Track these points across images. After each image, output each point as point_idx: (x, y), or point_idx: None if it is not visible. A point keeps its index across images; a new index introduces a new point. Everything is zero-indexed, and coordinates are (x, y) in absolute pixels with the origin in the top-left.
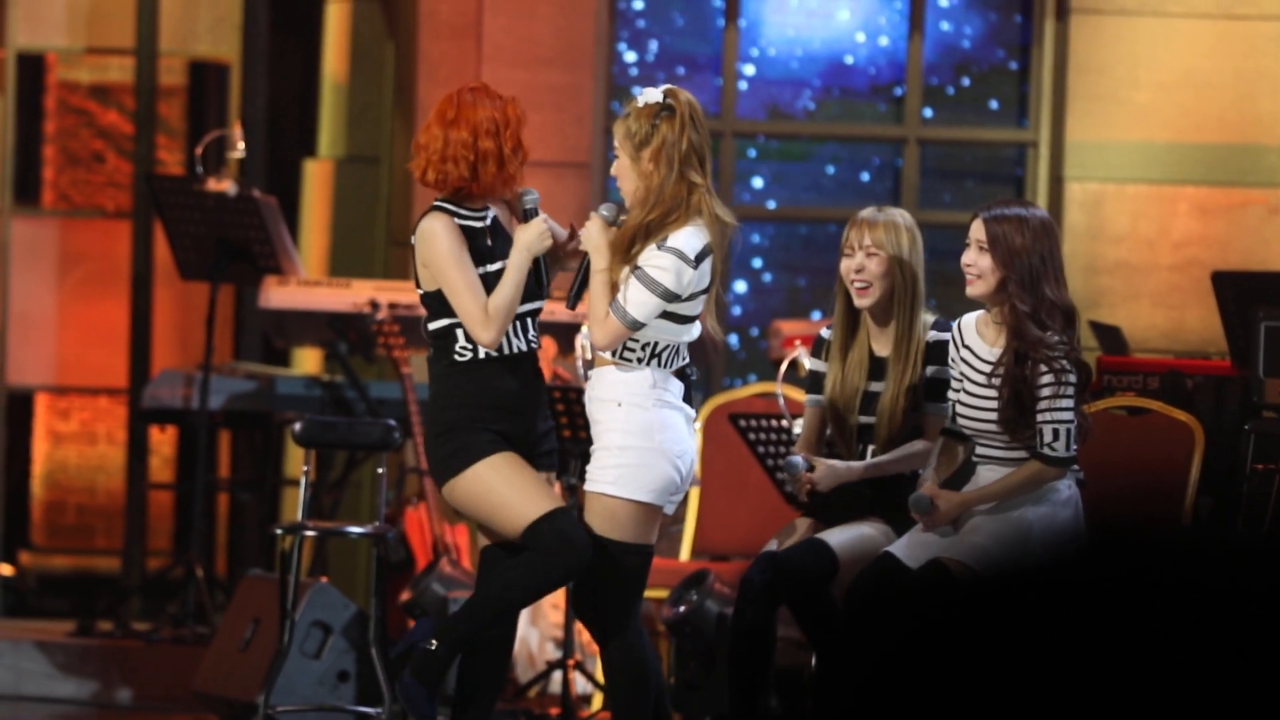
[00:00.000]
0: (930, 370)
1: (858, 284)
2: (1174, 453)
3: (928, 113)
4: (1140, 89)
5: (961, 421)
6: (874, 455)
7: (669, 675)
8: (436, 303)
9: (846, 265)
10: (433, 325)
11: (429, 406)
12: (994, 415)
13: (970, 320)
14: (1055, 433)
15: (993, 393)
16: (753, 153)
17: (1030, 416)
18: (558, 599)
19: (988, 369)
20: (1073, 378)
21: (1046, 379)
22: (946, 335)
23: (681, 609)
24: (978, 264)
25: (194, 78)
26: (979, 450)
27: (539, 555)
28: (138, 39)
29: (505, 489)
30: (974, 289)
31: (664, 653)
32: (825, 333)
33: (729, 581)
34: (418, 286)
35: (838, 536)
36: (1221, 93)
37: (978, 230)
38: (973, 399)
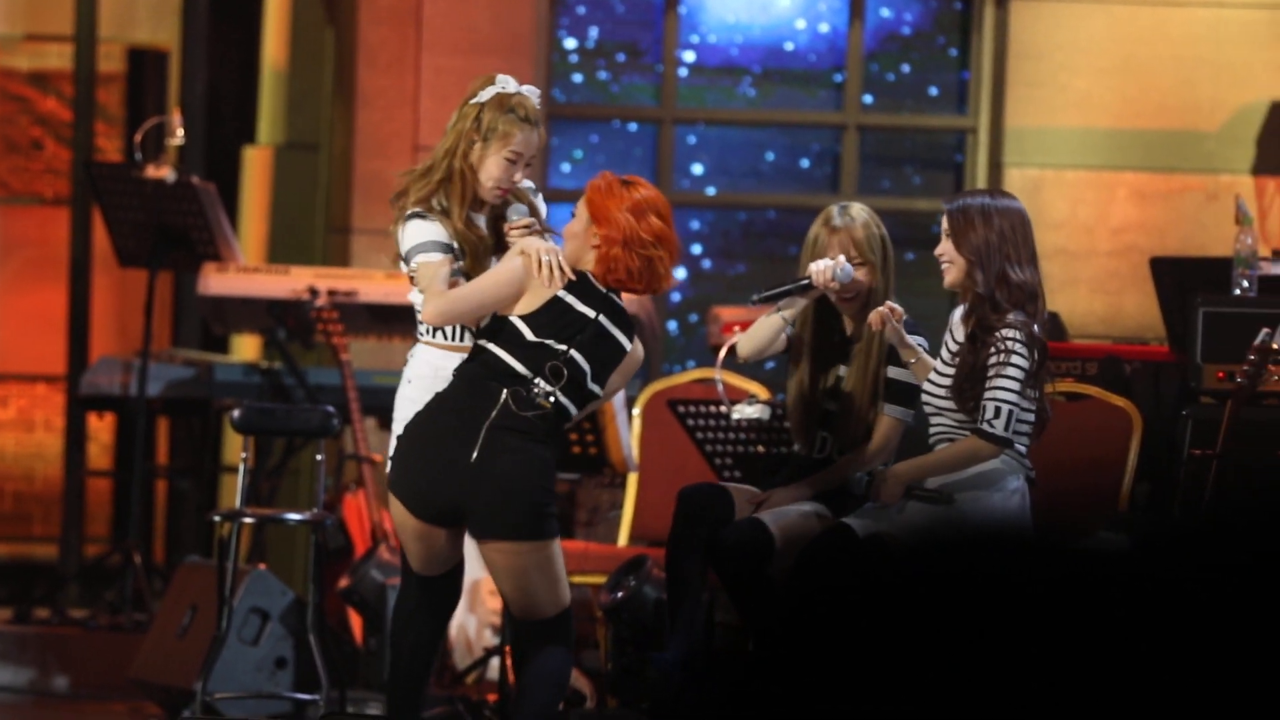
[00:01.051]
0: (894, 372)
1: (844, 296)
2: (1112, 438)
3: (868, 99)
4: (1079, 75)
5: (925, 398)
6: (833, 446)
7: (606, 662)
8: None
9: (822, 269)
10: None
11: (546, 459)
12: (947, 391)
13: (958, 310)
14: (996, 410)
15: (952, 370)
16: (692, 139)
17: (979, 390)
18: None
19: (955, 348)
20: (1019, 360)
21: (993, 358)
22: (914, 339)
23: (619, 595)
24: (947, 252)
25: (133, 64)
26: (935, 429)
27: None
28: (77, 25)
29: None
30: (947, 278)
31: (601, 638)
32: None
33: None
34: (600, 384)
35: (776, 516)
36: (1160, 79)
37: (944, 220)
38: (938, 375)
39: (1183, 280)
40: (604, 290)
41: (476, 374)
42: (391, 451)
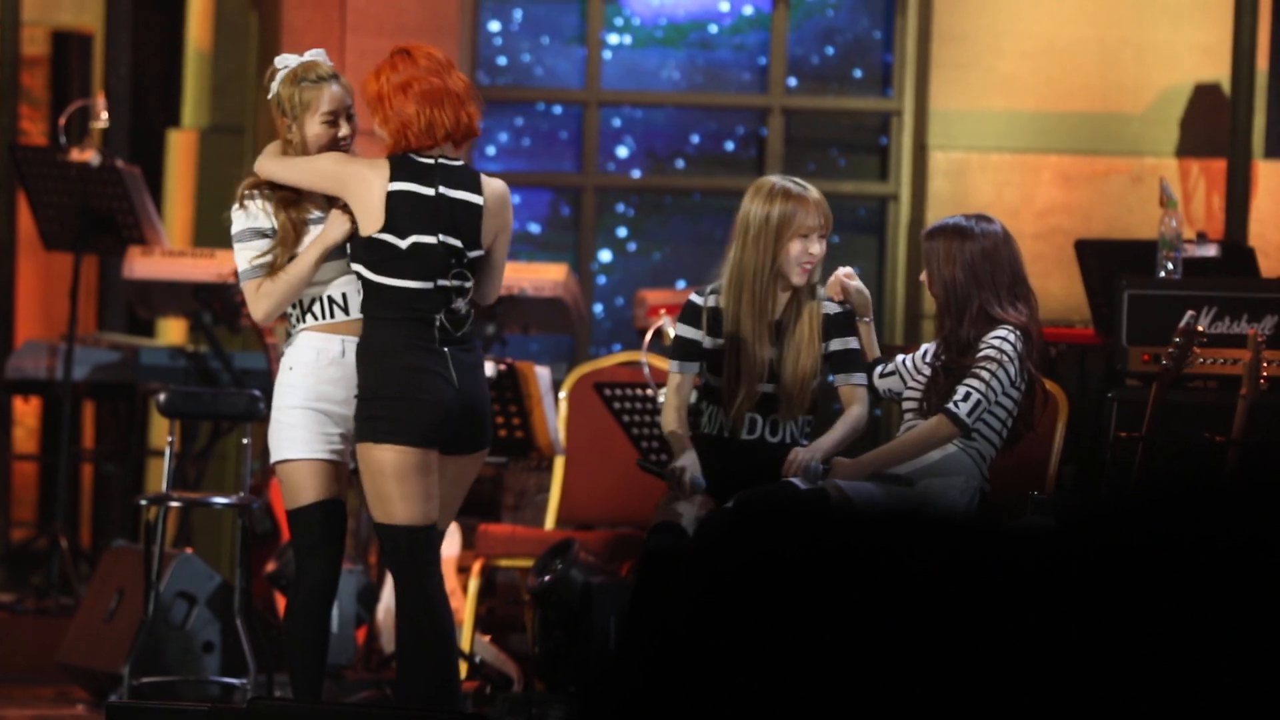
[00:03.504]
0: (836, 344)
1: (808, 266)
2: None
3: (792, 82)
4: (1004, 57)
5: (907, 392)
6: (764, 427)
7: (533, 645)
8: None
9: (802, 249)
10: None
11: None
12: (920, 392)
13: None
14: (967, 395)
15: (928, 374)
16: (617, 122)
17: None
18: None
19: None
20: (1009, 367)
21: (983, 352)
22: (844, 307)
23: (546, 578)
24: (927, 277)
25: (57, 47)
26: (907, 423)
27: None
28: None
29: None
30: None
31: (529, 622)
32: (698, 299)
33: (594, 550)
34: (477, 248)
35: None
36: (1085, 61)
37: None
38: (914, 384)
39: (1108, 263)
40: (429, 161)
41: (399, 315)
42: (277, 453)
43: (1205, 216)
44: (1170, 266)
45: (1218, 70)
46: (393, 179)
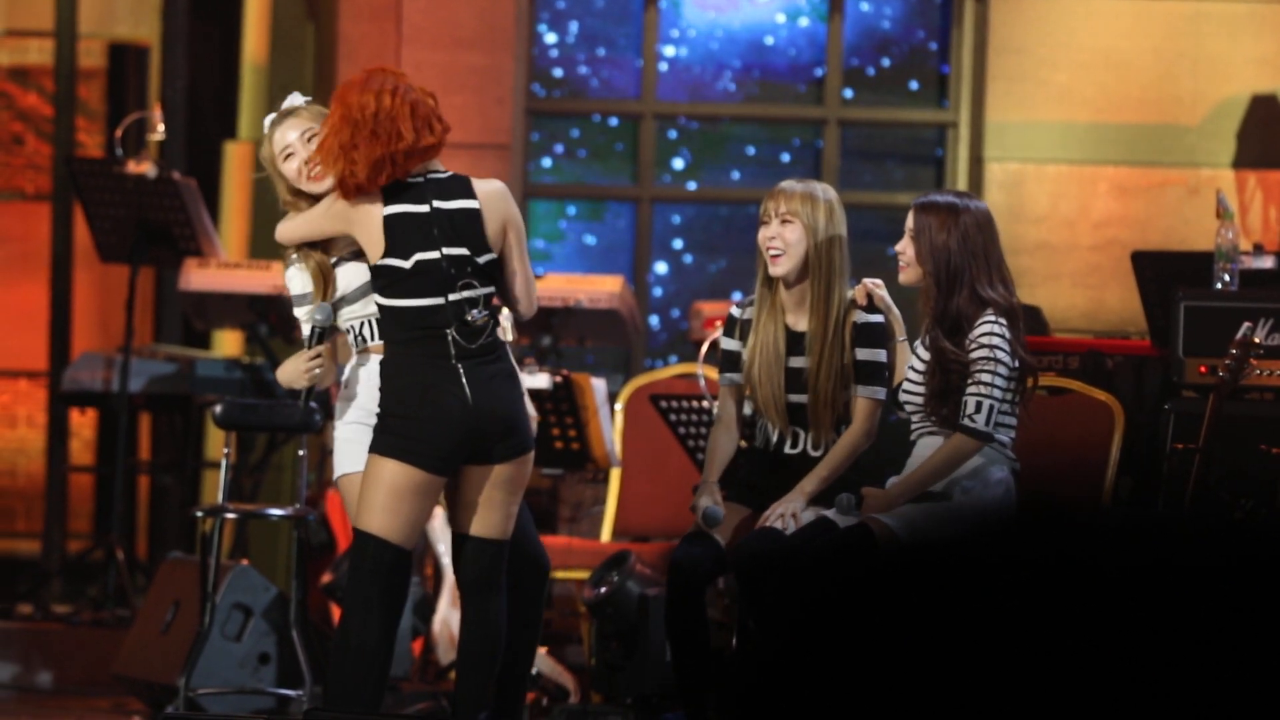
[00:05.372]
0: (861, 354)
1: (772, 250)
2: (1094, 433)
3: (848, 93)
4: (1060, 69)
5: (905, 396)
6: (810, 437)
7: (590, 657)
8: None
9: (763, 234)
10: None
11: (512, 371)
12: (923, 392)
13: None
14: (978, 405)
15: (925, 376)
16: (673, 134)
17: (953, 397)
18: None
19: (926, 357)
20: (1004, 358)
21: (976, 353)
22: (876, 317)
23: (603, 590)
24: (906, 252)
25: (114, 60)
26: (917, 426)
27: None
28: (57, 21)
29: None
30: (903, 276)
31: (585, 634)
32: (736, 310)
33: (650, 562)
34: (486, 251)
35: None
36: (1141, 73)
37: (909, 218)
38: (916, 374)
39: (1164, 274)
40: (419, 179)
41: (412, 335)
42: (338, 468)
43: (1262, 228)
44: (1227, 278)
45: (1274, 82)
46: (387, 204)
